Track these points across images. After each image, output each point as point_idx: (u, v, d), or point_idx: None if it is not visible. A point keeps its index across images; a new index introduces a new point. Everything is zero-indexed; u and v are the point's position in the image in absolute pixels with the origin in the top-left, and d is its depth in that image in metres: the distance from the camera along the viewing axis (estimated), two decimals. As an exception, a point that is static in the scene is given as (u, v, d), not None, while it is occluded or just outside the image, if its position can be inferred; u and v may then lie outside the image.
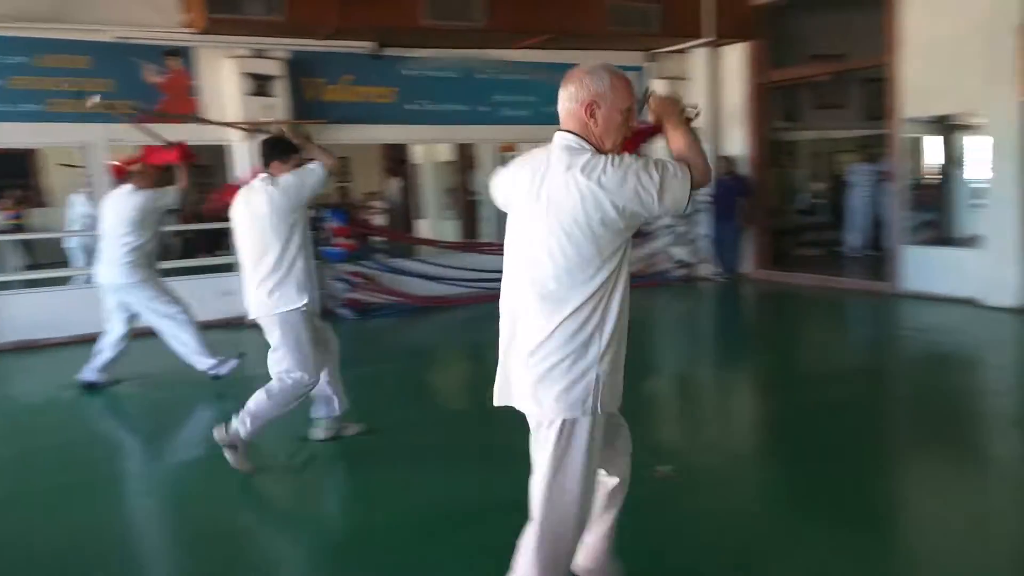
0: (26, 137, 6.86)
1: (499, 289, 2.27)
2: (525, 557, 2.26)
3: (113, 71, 7.45)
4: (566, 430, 2.15)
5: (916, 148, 10.24)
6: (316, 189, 3.92)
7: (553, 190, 2.10)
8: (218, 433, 3.77)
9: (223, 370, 5.59)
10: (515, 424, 2.35)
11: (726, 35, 9.52)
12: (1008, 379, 5.47)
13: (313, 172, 3.90)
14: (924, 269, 8.26)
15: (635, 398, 4.93)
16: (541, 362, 2.13)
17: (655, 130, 2.25)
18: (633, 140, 2.24)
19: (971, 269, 7.74)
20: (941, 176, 9.31)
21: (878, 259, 9.55)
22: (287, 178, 3.84)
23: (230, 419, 3.79)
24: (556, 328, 2.11)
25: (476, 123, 9.35)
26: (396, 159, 14.90)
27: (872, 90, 10.27)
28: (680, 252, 9.87)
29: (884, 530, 3.14)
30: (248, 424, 3.76)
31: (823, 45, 10.54)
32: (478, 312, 8.02)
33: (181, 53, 7.75)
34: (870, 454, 4.00)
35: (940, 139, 9.19)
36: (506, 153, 13.36)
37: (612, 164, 2.07)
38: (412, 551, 3.01)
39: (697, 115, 2.27)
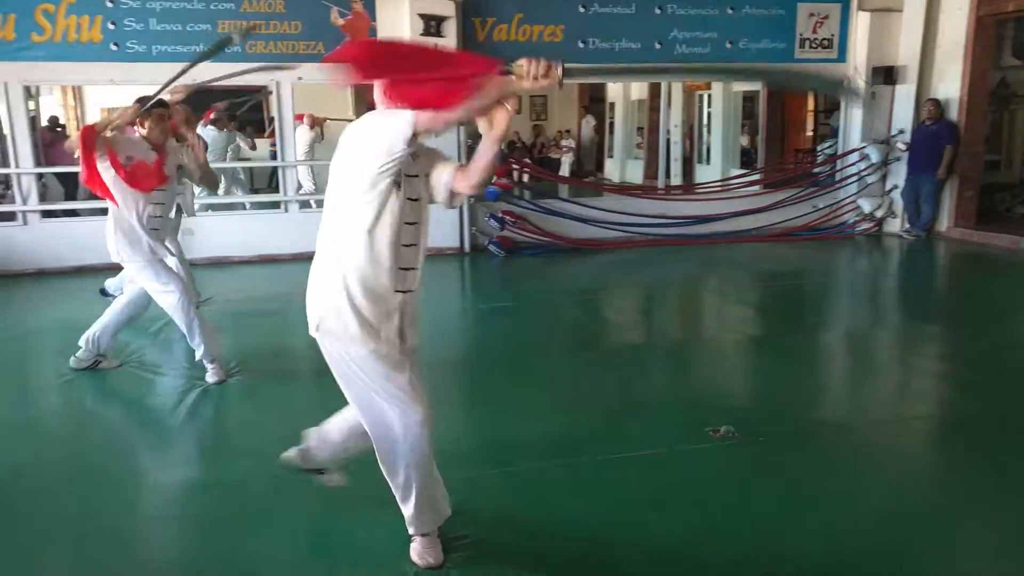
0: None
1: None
2: None
3: (303, 14, 8.12)
4: None
5: None
6: None
7: None
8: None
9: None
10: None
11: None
12: None
13: None
14: None
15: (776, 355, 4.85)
16: None
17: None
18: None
19: None
20: None
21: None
22: None
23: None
24: None
25: (651, 61, 9.02)
26: (591, 97, 14.83)
27: None
28: (867, 204, 9.03)
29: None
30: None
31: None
32: (627, 256, 7.99)
33: (366, -5, 8.23)
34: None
35: None
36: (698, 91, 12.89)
37: None
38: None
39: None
